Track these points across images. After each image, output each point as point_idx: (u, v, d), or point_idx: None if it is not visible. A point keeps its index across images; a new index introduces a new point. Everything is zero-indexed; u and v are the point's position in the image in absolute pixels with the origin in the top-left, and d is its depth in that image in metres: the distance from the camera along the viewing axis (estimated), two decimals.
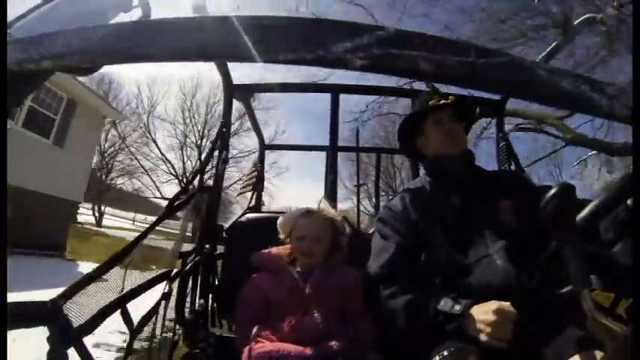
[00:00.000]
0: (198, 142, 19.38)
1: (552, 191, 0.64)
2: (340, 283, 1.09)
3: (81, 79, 6.68)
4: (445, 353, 0.80)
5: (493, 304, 0.81)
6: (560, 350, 0.76)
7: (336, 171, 1.75)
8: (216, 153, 1.61)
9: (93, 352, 0.79)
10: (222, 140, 1.62)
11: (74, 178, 8.04)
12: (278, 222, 1.20)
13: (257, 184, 2.25)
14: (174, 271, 1.21)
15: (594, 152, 7.72)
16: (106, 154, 18.91)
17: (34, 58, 0.44)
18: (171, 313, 1.18)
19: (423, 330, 0.90)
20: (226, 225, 1.62)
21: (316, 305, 1.04)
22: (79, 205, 8.91)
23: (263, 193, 2.21)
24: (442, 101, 1.12)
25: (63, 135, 7.43)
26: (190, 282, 1.33)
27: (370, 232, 1.63)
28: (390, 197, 1.27)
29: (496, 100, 1.78)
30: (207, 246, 1.49)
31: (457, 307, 0.85)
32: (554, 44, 1.09)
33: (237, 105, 1.76)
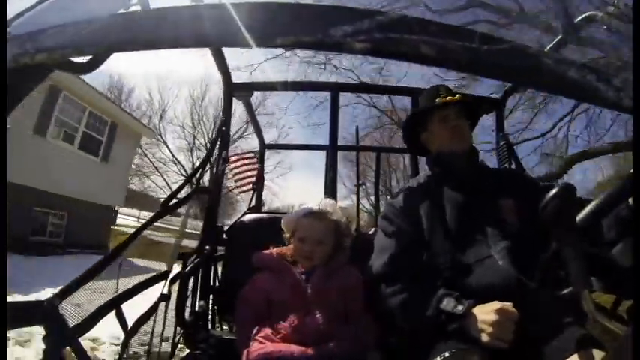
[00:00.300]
0: (207, 144, 19.70)
1: (553, 191, 0.64)
2: (342, 283, 1.08)
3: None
4: (447, 354, 0.80)
5: (495, 305, 0.81)
6: (560, 350, 0.76)
7: (335, 170, 1.75)
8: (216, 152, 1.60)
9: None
10: (222, 139, 1.61)
11: (116, 188, 9.50)
12: (282, 221, 1.19)
13: (257, 184, 2.24)
14: (173, 272, 1.20)
15: None
16: None
17: (30, 51, 0.44)
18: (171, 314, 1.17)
19: (424, 329, 0.90)
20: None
21: (318, 305, 1.03)
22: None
23: (267, 192, 2.20)
24: (449, 97, 1.11)
25: (108, 152, 8.83)
26: (191, 283, 1.33)
27: (371, 232, 1.62)
28: (387, 197, 1.27)
29: (496, 99, 1.78)
30: (207, 247, 1.48)
31: (459, 307, 0.84)
32: (558, 38, 1.08)
33: (242, 109, 1.76)
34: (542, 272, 0.71)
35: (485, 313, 0.81)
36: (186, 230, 1.45)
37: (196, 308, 1.36)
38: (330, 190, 1.70)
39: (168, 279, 1.15)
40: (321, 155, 1.92)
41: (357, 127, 3.10)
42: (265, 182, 2.27)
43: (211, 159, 1.58)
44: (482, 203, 1.03)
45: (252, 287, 1.12)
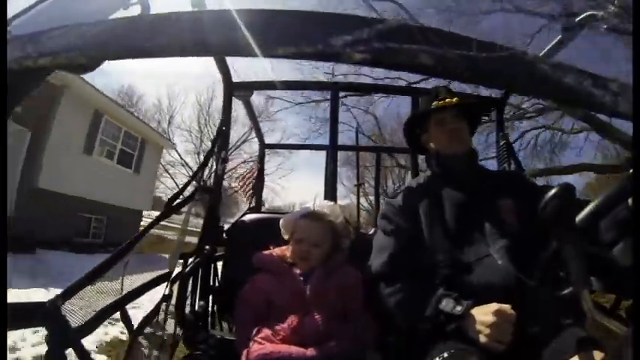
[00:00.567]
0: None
1: (552, 191, 0.64)
2: (340, 282, 1.08)
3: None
4: (445, 355, 0.80)
5: (493, 306, 0.81)
6: (560, 350, 0.76)
7: (335, 169, 1.75)
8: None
9: None
10: (222, 139, 1.61)
11: (144, 194, 10.97)
12: (281, 222, 1.19)
13: (257, 183, 2.24)
14: (175, 272, 1.20)
15: None
16: None
17: (32, 55, 0.44)
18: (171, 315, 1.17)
19: (423, 329, 0.90)
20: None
21: (317, 306, 1.04)
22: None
23: (268, 191, 2.24)
24: (447, 100, 1.11)
25: (139, 165, 10.34)
26: (190, 283, 1.33)
27: (371, 232, 1.63)
28: (384, 197, 1.28)
29: (496, 99, 1.78)
30: (207, 247, 1.48)
31: (458, 308, 0.85)
32: (555, 40, 1.08)
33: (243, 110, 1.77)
34: (542, 272, 0.72)
35: (484, 314, 0.81)
36: (189, 228, 1.45)
37: (196, 308, 1.37)
38: (330, 190, 1.70)
39: (170, 279, 1.15)
40: (322, 154, 1.92)
41: (357, 127, 3.09)
42: (267, 183, 2.28)
43: (212, 159, 1.59)
44: (481, 203, 1.03)
45: (252, 288, 1.12)
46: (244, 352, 0.96)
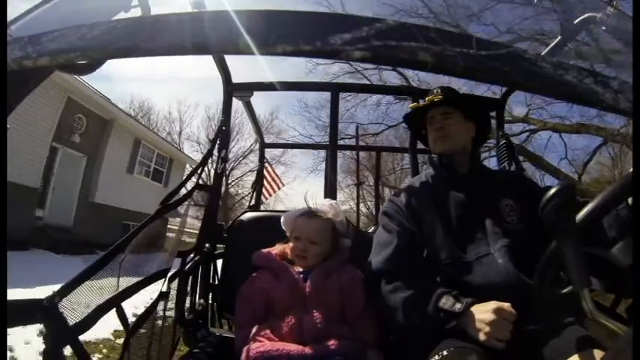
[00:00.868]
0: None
1: (552, 190, 0.64)
2: (340, 281, 1.08)
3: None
4: (445, 353, 0.80)
5: (493, 304, 0.81)
6: (560, 350, 0.76)
7: (335, 168, 1.76)
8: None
9: None
10: (222, 139, 1.62)
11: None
12: (282, 220, 1.20)
13: (256, 183, 2.25)
14: (172, 270, 1.20)
15: None
16: None
17: (32, 55, 0.44)
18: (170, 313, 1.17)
19: (423, 326, 0.90)
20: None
21: (316, 304, 1.04)
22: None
23: (274, 197, 2.32)
24: (429, 98, 1.11)
25: (167, 179, 12.27)
26: (190, 281, 1.33)
27: (370, 230, 1.63)
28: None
29: (496, 99, 1.78)
30: (207, 245, 1.48)
31: (458, 306, 0.84)
32: (555, 41, 1.08)
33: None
34: (542, 271, 0.72)
35: (484, 312, 0.81)
36: (185, 229, 1.45)
37: (196, 306, 1.37)
38: (330, 189, 1.71)
39: (167, 277, 1.15)
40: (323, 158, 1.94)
41: (357, 126, 3.10)
42: (271, 190, 2.37)
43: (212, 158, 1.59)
44: (483, 202, 1.03)
45: (251, 285, 1.13)
46: (243, 350, 0.96)
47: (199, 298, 1.41)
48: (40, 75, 0.67)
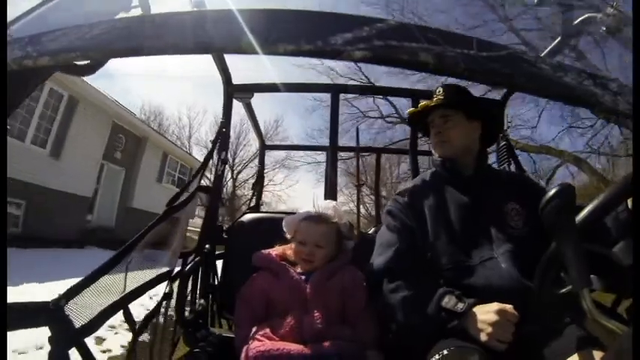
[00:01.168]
0: (229, 160, 21.69)
1: (552, 191, 0.64)
2: (342, 282, 1.08)
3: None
4: (445, 352, 0.79)
5: (495, 305, 0.81)
6: (560, 350, 0.76)
7: (336, 170, 1.76)
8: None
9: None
10: (222, 140, 1.62)
11: (191, 208, 13.86)
12: (283, 223, 1.19)
13: (256, 184, 2.25)
14: (175, 271, 1.20)
15: None
16: None
17: (32, 55, 0.44)
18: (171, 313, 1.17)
19: (424, 326, 0.90)
20: None
21: (316, 305, 1.03)
22: None
23: (276, 198, 2.30)
24: (426, 102, 1.10)
25: (187, 186, 12.42)
26: (190, 282, 1.33)
27: (371, 231, 1.63)
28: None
29: (497, 100, 1.78)
30: (207, 246, 1.48)
31: (460, 306, 0.84)
32: (555, 42, 1.08)
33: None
34: (542, 273, 0.72)
35: (485, 312, 0.81)
36: (189, 228, 1.45)
37: (196, 307, 1.37)
38: (331, 191, 1.71)
39: (170, 278, 1.15)
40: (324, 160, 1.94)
41: (357, 127, 3.10)
42: (274, 191, 2.35)
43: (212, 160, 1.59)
44: (488, 204, 1.02)
45: (251, 286, 1.13)
46: (243, 350, 0.96)
47: (199, 299, 1.41)
48: (40, 75, 0.67)
